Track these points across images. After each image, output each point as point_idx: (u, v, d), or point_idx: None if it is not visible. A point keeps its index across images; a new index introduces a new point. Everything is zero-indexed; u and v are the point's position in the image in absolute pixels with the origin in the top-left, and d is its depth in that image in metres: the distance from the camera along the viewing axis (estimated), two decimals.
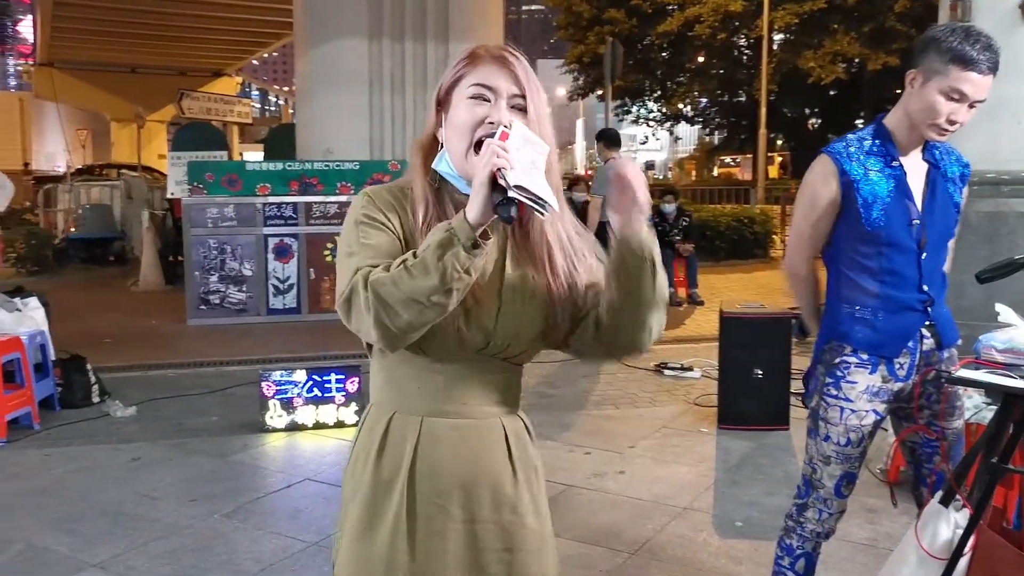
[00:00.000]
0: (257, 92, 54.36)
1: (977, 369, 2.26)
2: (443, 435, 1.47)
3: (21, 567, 3.38)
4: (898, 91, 2.51)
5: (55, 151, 35.18)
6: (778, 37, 28.93)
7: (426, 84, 9.14)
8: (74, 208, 13.81)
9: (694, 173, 45.65)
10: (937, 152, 2.46)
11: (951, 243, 2.51)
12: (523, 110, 1.44)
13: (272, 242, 8.26)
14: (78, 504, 3.97)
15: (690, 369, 6.26)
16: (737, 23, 28.43)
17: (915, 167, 2.42)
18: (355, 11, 8.87)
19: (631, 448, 4.73)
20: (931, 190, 2.41)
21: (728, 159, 44.51)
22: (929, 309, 2.39)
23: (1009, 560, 2.01)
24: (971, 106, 2.31)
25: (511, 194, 1.26)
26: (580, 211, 9.43)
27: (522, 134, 1.32)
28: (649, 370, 6.42)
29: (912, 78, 2.34)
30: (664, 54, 31.35)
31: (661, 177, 49.77)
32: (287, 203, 8.27)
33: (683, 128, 37.80)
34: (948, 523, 2.17)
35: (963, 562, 2.12)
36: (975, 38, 2.25)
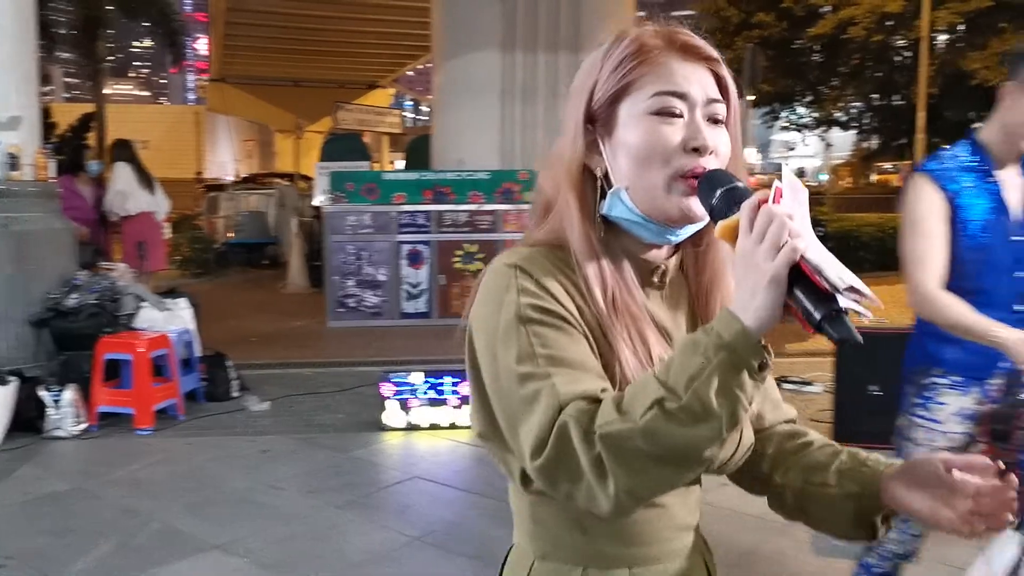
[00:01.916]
0: (410, 102, 56.17)
1: None
2: None
3: (154, 544, 3.72)
4: None
5: (226, 160, 37.62)
6: (941, 37, 27.44)
7: (556, 94, 9.29)
8: (234, 215, 14.80)
9: (849, 179, 43.83)
10: None
11: None
12: (719, 121, 1.06)
13: (405, 249, 8.61)
14: (210, 490, 4.32)
15: (810, 383, 6.10)
16: (894, 24, 27.14)
17: (1012, 182, 2.35)
18: (490, 23, 9.12)
19: None
20: None
21: (887, 165, 42.55)
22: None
23: None
24: None
25: (843, 302, 0.86)
26: None
27: (790, 182, 0.94)
28: None
29: (1009, 91, 2.28)
30: (816, 57, 30.29)
31: (814, 184, 48.12)
32: (420, 211, 8.61)
33: (836, 133, 36.38)
34: (1017, 545, 2.10)
35: None
36: None
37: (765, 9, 28.23)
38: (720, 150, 1.04)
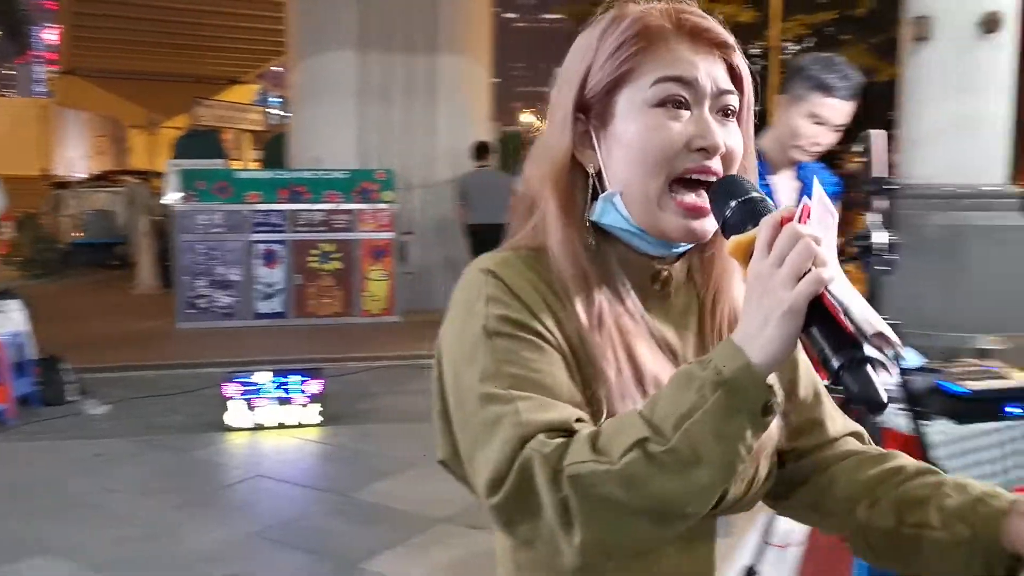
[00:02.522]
0: (278, 99, 54.89)
1: None
2: None
3: None
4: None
5: (76, 157, 35.80)
6: (791, 47, 28.95)
7: (412, 94, 9.39)
8: (80, 213, 14.19)
9: None
10: (809, 171, 2.64)
11: None
12: (731, 113, 0.93)
13: (259, 248, 8.52)
14: (42, 494, 4.21)
15: None
16: (746, 33, 28.48)
17: (786, 186, 2.60)
18: (345, 22, 9.12)
19: None
20: None
21: None
22: None
23: (829, 544, 2.18)
24: (834, 129, 2.50)
25: (869, 350, 0.74)
26: None
27: (819, 200, 0.82)
28: None
29: (780, 103, 2.54)
30: None
31: None
32: (274, 210, 8.53)
33: None
34: None
35: (795, 551, 2.30)
36: (835, 67, 2.45)
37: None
38: (731, 149, 0.91)
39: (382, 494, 4.25)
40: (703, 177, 0.90)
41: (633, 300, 0.93)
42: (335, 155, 9.10)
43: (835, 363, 0.74)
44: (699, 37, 0.92)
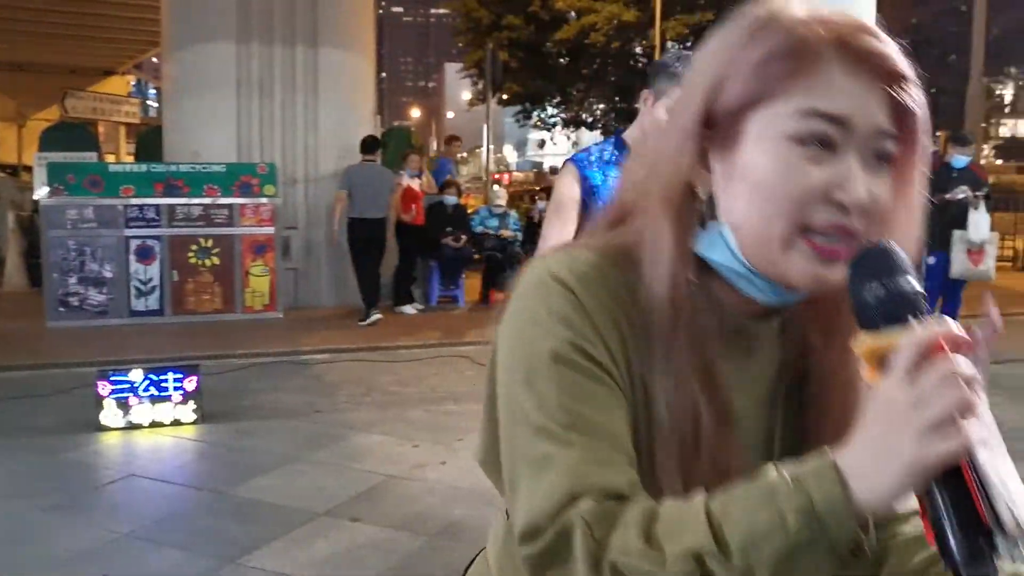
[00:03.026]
0: (155, 90, 52.96)
1: None
2: None
3: None
4: None
5: None
6: (673, 46, 29.77)
7: (295, 87, 9.25)
8: None
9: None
10: None
11: None
12: (887, 159, 0.78)
13: (134, 244, 8.24)
14: None
15: None
16: (630, 32, 29.17)
17: None
18: (222, 13, 8.89)
19: (459, 441, 4.96)
20: None
21: None
22: None
23: None
24: None
25: (1000, 543, 0.60)
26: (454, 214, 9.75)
27: (984, 336, 0.68)
28: None
29: (645, 98, 2.64)
30: (562, 60, 31.90)
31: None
32: (149, 205, 8.26)
33: (584, 133, 38.51)
34: None
35: None
36: None
37: (514, 12, 29.36)
38: (876, 202, 0.76)
39: (261, 490, 4.20)
40: (836, 235, 0.76)
41: (715, 347, 0.81)
42: (214, 149, 8.87)
43: (954, 546, 0.61)
44: (866, 63, 0.76)
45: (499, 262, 9.81)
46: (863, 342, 0.69)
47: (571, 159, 2.75)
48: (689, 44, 28.71)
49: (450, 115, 77.23)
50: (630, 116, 34.23)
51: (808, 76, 0.75)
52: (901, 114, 0.77)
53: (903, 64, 0.77)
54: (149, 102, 41.95)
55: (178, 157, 8.99)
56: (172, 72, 9.55)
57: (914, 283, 0.70)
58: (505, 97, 30.27)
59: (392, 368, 6.69)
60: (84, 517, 3.87)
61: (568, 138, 39.07)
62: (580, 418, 0.75)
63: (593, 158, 2.70)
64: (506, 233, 9.99)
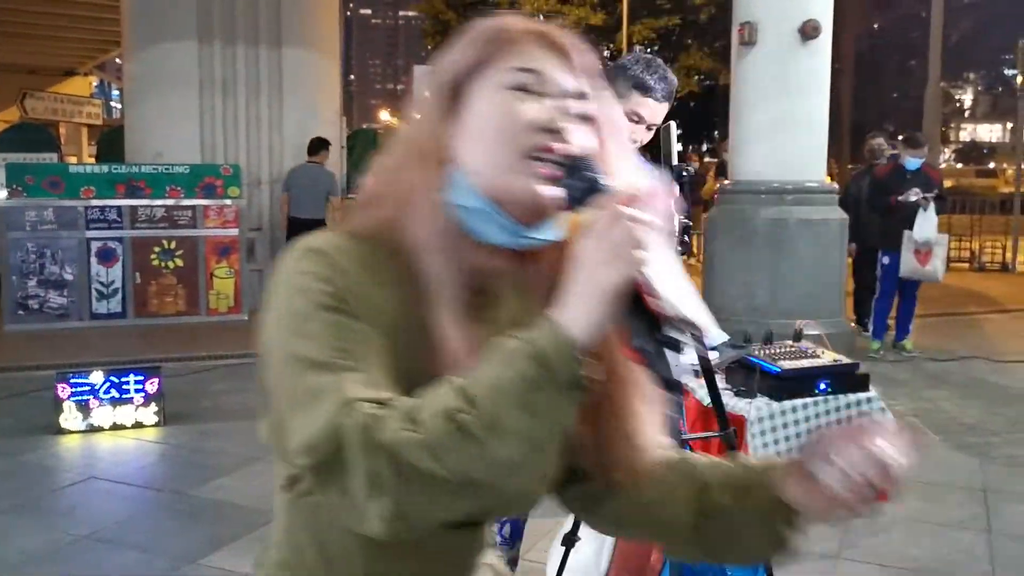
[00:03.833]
0: (117, 91, 52.24)
1: None
2: None
3: None
4: None
5: None
6: (640, 50, 29.95)
7: (259, 88, 9.20)
8: None
9: None
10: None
11: None
12: (588, 119, 0.94)
13: (95, 246, 8.14)
14: None
15: None
16: (597, 36, 29.31)
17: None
18: (184, 12, 8.82)
19: None
20: None
21: None
22: None
23: None
24: (648, 128, 2.65)
25: (671, 332, 0.80)
26: None
27: (654, 188, 0.83)
28: None
29: None
30: None
31: None
32: (111, 206, 8.17)
33: None
34: None
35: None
36: (654, 69, 2.58)
37: (482, 15, 29.36)
38: (582, 140, 0.92)
39: (223, 491, 4.18)
40: (554, 157, 0.89)
41: (459, 305, 0.92)
42: (177, 150, 8.80)
43: (639, 343, 0.79)
44: (555, 47, 0.94)
45: None
46: (567, 220, 0.86)
47: None
48: (655, 48, 28.96)
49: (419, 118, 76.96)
50: None
51: (513, 48, 0.93)
52: (594, 89, 0.95)
53: (590, 57, 0.96)
54: (112, 103, 41.34)
55: (140, 158, 8.90)
56: (134, 71, 9.45)
57: (605, 179, 0.86)
58: None
59: None
60: (42, 519, 3.82)
61: None
62: (346, 352, 0.83)
63: None
64: None
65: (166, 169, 8.42)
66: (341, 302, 0.85)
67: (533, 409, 0.75)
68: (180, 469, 4.53)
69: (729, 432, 2.29)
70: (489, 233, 0.92)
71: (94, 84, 29.57)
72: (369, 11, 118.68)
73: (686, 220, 2.26)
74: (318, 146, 8.71)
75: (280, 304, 0.88)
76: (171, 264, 8.35)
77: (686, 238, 2.24)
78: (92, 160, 18.94)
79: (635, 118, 2.59)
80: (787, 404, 3.85)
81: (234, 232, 8.56)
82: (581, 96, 0.94)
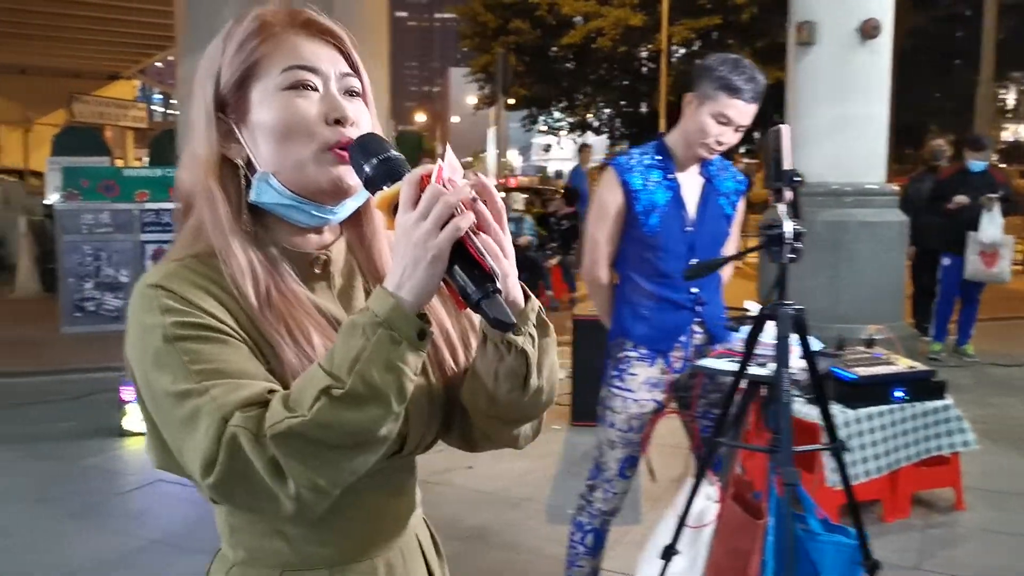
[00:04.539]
0: (160, 95, 52.98)
1: (721, 359, 2.52)
2: None
3: None
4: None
5: None
6: (681, 50, 29.78)
7: None
8: None
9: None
10: (713, 168, 2.71)
11: (726, 249, 2.77)
12: (357, 93, 1.04)
13: (150, 248, 8.22)
14: None
15: None
16: (637, 36, 29.18)
17: (691, 181, 2.67)
18: (235, 14, 8.87)
19: None
20: (704, 202, 2.67)
21: None
22: (699, 308, 2.65)
23: (740, 524, 2.27)
24: (737, 129, 2.58)
25: (498, 284, 0.89)
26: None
27: (451, 163, 0.92)
28: None
29: (688, 101, 2.60)
30: (568, 65, 31.91)
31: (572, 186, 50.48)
32: (165, 209, 8.24)
33: (591, 137, 38.54)
34: (700, 495, 2.44)
35: (708, 530, 2.38)
36: (742, 69, 2.52)
37: (520, 16, 29.37)
38: (361, 122, 1.02)
39: None
40: (343, 146, 0.99)
41: (298, 284, 1.02)
42: None
43: (474, 297, 0.88)
44: (313, 29, 1.02)
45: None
46: (377, 198, 0.93)
47: (611, 163, 2.73)
48: (695, 48, 28.74)
49: (455, 119, 77.27)
50: (635, 120, 34.31)
51: (278, 45, 0.99)
52: (352, 62, 1.04)
53: (338, 28, 1.04)
54: (154, 107, 41.86)
55: None
56: (186, 74, 9.52)
57: (394, 153, 0.95)
58: (511, 101, 30.27)
59: None
60: (108, 523, 3.84)
61: (574, 142, 39.14)
62: (206, 371, 0.90)
63: (633, 162, 2.67)
64: (523, 240, 9.95)
65: None
66: (185, 328, 0.92)
67: (390, 368, 0.86)
68: None
69: (837, 445, 2.22)
70: (301, 218, 1.02)
71: (137, 88, 30.00)
72: (405, 14, 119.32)
73: (800, 227, 2.18)
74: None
75: (136, 347, 0.95)
76: None
77: (799, 244, 2.16)
78: (138, 163, 19.23)
79: (723, 120, 2.52)
80: (862, 412, 3.77)
81: None
82: (348, 74, 1.03)
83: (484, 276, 0.88)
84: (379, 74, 10.05)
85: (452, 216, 0.86)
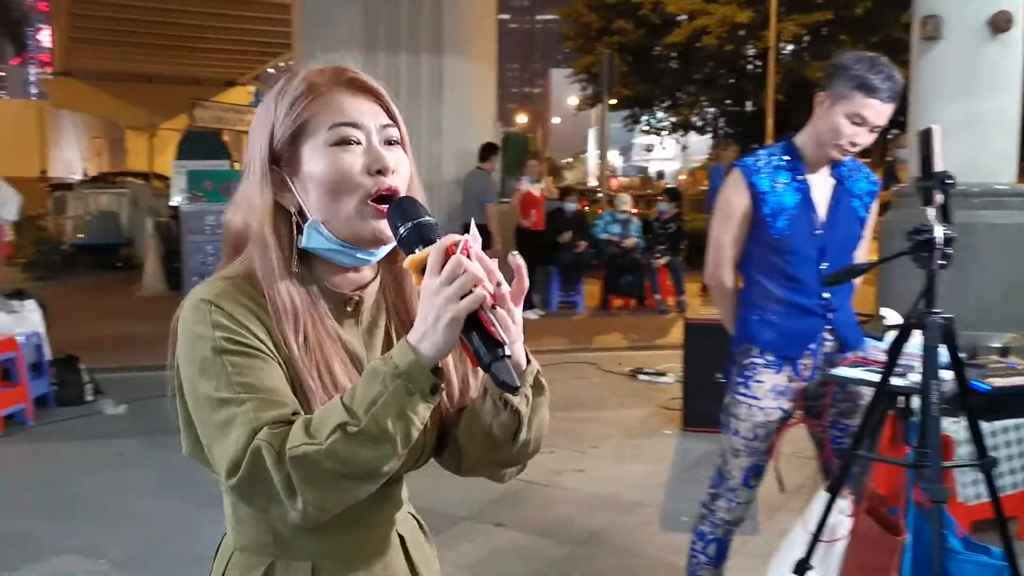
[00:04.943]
0: None
1: (855, 367, 2.45)
2: None
3: (6, 548, 3.61)
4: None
5: (72, 159, 35.69)
6: (788, 47, 29.02)
7: (419, 94, 9.39)
8: (83, 215, 14.16)
9: (706, 182, 45.73)
10: (845, 169, 2.63)
11: (859, 253, 2.69)
12: (396, 142, 1.15)
13: None
14: (64, 494, 4.21)
15: (663, 374, 6.45)
16: (744, 34, 28.56)
17: (821, 182, 2.60)
18: (351, 24, 9.12)
19: (594, 448, 4.92)
20: (835, 204, 2.59)
21: None
22: (830, 314, 2.58)
23: (876, 539, 2.20)
24: (872, 130, 2.50)
25: (508, 350, 0.99)
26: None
27: (474, 234, 1.02)
28: (624, 375, 6.62)
29: (821, 101, 2.53)
30: (672, 64, 31.49)
31: (674, 186, 49.83)
32: None
33: (693, 137, 37.93)
34: (834, 509, 2.37)
35: (841, 544, 2.32)
36: (879, 68, 2.43)
37: (624, 16, 29.16)
38: (400, 169, 1.13)
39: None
40: (388, 194, 1.10)
41: (331, 322, 1.14)
42: None
43: (486, 359, 0.98)
44: (355, 87, 1.13)
45: (619, 268, 9.74)
46: (408, 261, 1.03)
47: (738, 164, 2.67)
48: (805, 45, 27.94)
49: (556, 120, 77.30)
50: (741, 119, 33.62)
51: (324, 104, 1.11)
52: (391, 113, 1.16)
53: (377, 84, 1.15)
54: None
55: None
56: None
57: (428, 219, 1.04)
58: (613, 102, 30.07)
59: None
60: None
61: (677, 142, 38.64)
62: (244, 385, 1.04)
63: (761, 163, 2.61)
64: (629, 242, 9.87)
65: None
66: (232, 343, 1.05)
67: (402, 416, 0.98)
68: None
69: (987, 461, 2.12)
70: (345, 260, 1.14)
71: (252, 93, 31.11)
72: (507, 16, 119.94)
73: (951, 232, 2.10)
74: (488, 152, 8.81)
75: (185, 352, 1.08)
76: None
77: (949, 250, 2.08)
78: None
79: (857, 120, 2.45)
80: (997, 424, 3.60)
81: None
82: (388, 125, 1.14)
83: (495, 343, 0.98)
84: (487, 79, 10.15)
85: (475, 285, 0.97)
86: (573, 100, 40.84)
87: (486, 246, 1.05)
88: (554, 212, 9.70)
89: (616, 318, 9.51)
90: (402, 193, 1.10)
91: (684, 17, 29.27)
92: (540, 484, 4.33)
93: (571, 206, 9.79)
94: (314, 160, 1.11)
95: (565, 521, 3.91)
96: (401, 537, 1.26)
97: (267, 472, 0.99)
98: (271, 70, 32.53)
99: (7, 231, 7.59)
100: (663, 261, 9.73)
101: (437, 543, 3.93)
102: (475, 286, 0.97)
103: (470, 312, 0.97)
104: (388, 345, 1.20)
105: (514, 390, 0.99)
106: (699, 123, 34.08)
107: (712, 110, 33.23)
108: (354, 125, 1.11)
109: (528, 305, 9.27)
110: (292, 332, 1.09)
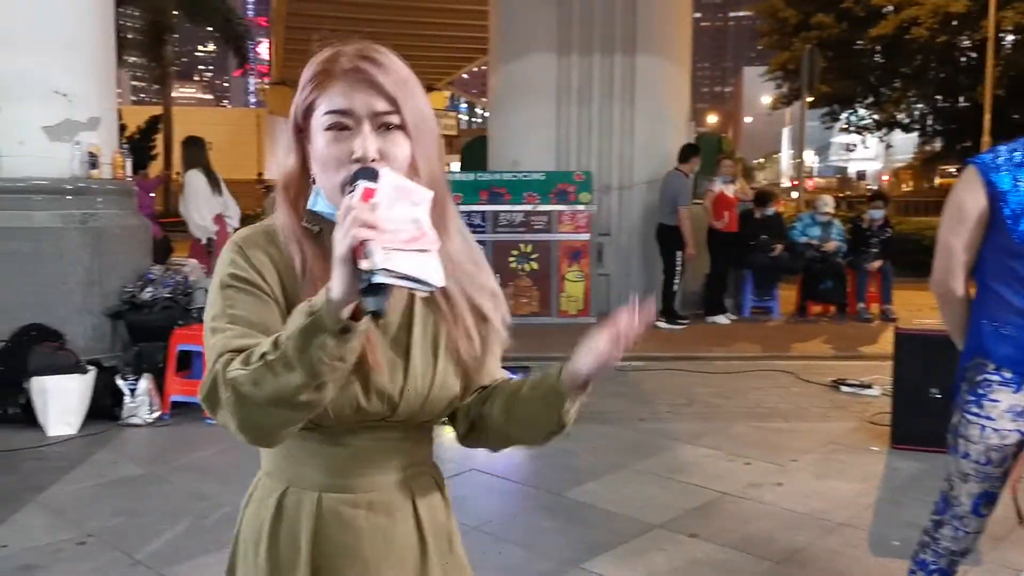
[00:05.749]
0: (464, 104, 56.31)
1: None
2: (344, 512, 1.29)
3: (224, 526, 3.85)
4: None
5: None
6: (1008, 38, 26.77)
7: (612, 95, 9.34)
8: None
9: (911, 183, 42.96)
10: None
11: None
12: (398, 127, 1.21)
13: None
14: None
15: (869, 387, 6.07)
16: (958, 24, 26.59)
17: None
18: (546, 25, 9.19)
19: (794, 461, 4.70)
20: None
21: (951, 168, 41.62)
22: None
23: None
24: None
25: (378, 279, 1.03)
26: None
27: (394, 184, 1.08)
28: (825, 385, 6.29)
29: None
30: (877, 58, 29.78)
31: (876, 187, 47.27)
32: (476, 212, 8.72)
33: (898, 136, 35.69)
34: None
35: None
36: None
37: (824, 10, 27.86)
38: (392, 153, 1.20)
39: (591, 495, 4.23)
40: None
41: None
42: (533, 157, 9.21)
43: (359, 286, 1.04)
44: (354, 74, 1.21)
45: (818, 272, 9.27)
46: None
47: (973, 161, 2.45)
48: None
49: (748, 120, 75.09)
50: (953, 116, 31.35)
51: (326, 89, 1.21)
52: (393, 99, 1.21)
53: (376, 64, 1.22)
54: (460, 115, 44.58)
55: (500, 165, 9.44)
56: (497, 84, 10.04)
57: (363, 184, 1.09)
58: (811, 99, 28.81)
59: (709, 379, 6.52)
60: None
61: (880, 140, 36.47)
62: (233, 316, 1.18)
63: (1000, 160, 2.38)
64: (830, 246, 9.39)
65: (524, 176, 8.85)
66: (234, 279, 1.21)
67: (308, 349, 1.06)
68: (548, 469, 4.63)
69: None
70: None
71: (447, 98, 32.22)
72: (699, 14, 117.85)
73: None
74: (688, 153, 8.68)
75: (212, 284, 1.25)
76: (527, 267, 8.75)
77: None
78: (447, 168, 20.57)
79: None
80: None
81: (585, 237, 8.78)
82: (386, 112, 1.20)
83: (367, 273, 1.03)
84: (681, 80, 9.95)
85: (362, 226, 1.03)
86: (766, 99, 39.50)
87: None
88: (747, 213, 9.40)
89: (815, 325, 9.07)
90: (374, 187, 1.10)
91: (890, 8, 27.61)
92: (736, 496, 4.19)
93: (769, 211, 9.47)
94: (316, 137, 1.22)
95: (763, 537, 3.75)
96: (412, 494, 1.36)
97: (219, 391, 1.12)
98: (465, 75, 33.51)
99: (231, 235, 8.18)
100: (876, 265, 9.18)
101: (627, 549, 3.89)
102: (364, 227, 1.02)
103: (351, 250, 1.03)
104: (408, 318, 1.30)
105: (377, 313, 1.04)
106: (905, 120, 32.05)
107: (920, 106, 31.17)
108: (344, 113, 1.20)
109: (720, 309, 9.03)
110: (299, 268, 1.23)
